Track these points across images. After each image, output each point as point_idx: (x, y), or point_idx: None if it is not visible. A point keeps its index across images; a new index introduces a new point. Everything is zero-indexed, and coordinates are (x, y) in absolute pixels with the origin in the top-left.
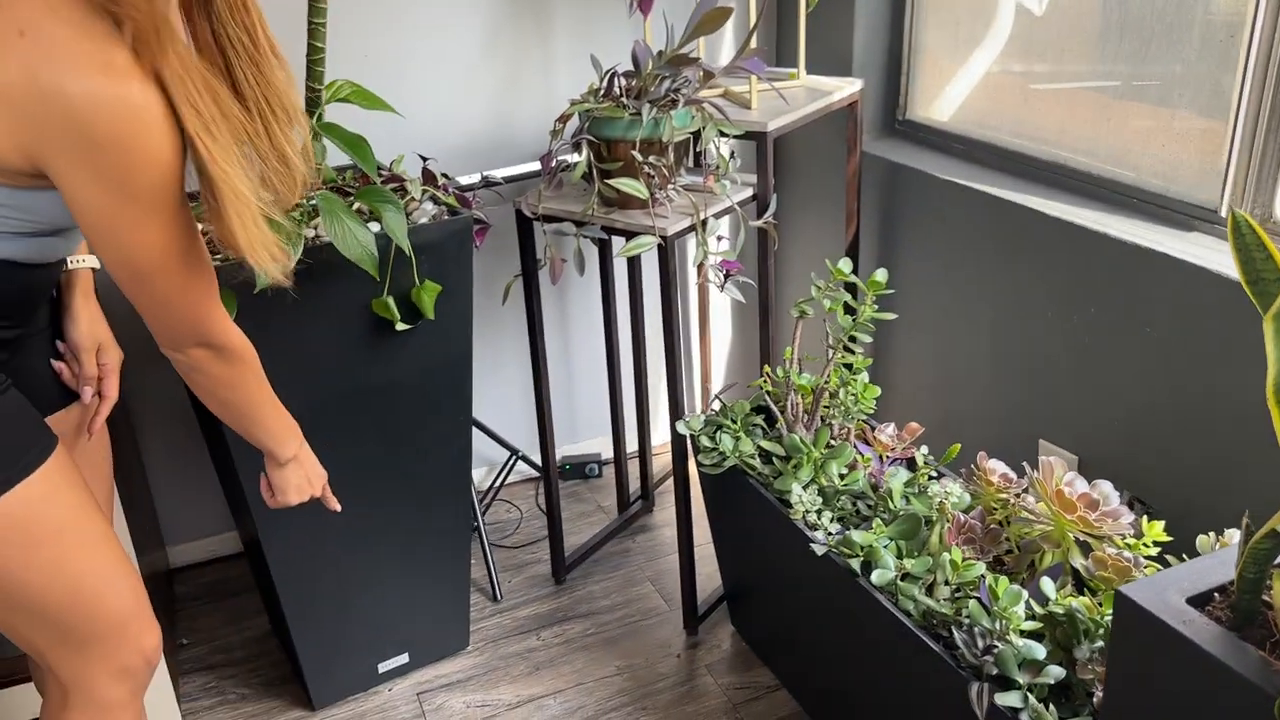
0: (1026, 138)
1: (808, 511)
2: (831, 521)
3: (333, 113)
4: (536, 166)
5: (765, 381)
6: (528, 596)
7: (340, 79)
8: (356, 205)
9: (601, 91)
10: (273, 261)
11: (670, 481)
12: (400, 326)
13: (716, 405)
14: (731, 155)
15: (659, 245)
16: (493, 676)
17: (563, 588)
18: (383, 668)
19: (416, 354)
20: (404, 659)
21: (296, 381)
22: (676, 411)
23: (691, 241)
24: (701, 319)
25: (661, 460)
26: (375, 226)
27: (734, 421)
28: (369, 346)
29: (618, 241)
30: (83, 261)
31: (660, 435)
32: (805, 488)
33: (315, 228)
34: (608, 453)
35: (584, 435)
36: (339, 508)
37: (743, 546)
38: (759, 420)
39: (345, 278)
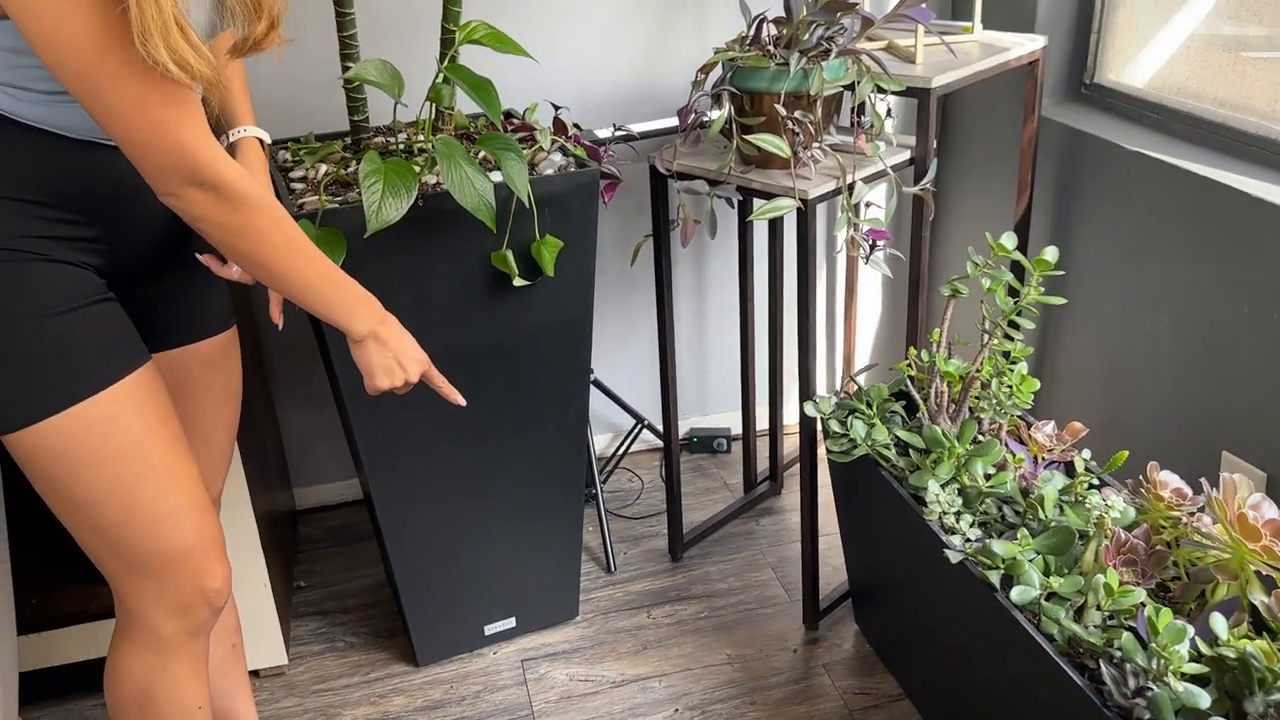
0: (1234, 109)
1: (945, 513)
2: (971, 526)
3: (467, 56)
4: (674, 123)
5: (909, 365)
6: (642, 571)
7: (476, 20)
8: (481, 154)
9: (748, 40)
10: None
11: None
12: (518, 282)
13: (854, 387)
14: (888, 114)
15: (798, 209)
16: (599, 651)
17: (679, 566)
18: (489, 629)
19: (535, 311)
20: (510, 623)
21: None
22: (807, 391)
23: (837, 206)
24: (848, 292)
25: (793, 441)
26: (497, 176)
27: (869, 406)
28: (486, 301)
29: (758, 204)
30: (244, 132)
31: (793, 414)
32: (944, 486)
33: (436, 174)
34: (738, 428)
35: (715, 408)
36: (459, 398)
37: (871, 542)
38: (898, 407)
39: (464, 228)
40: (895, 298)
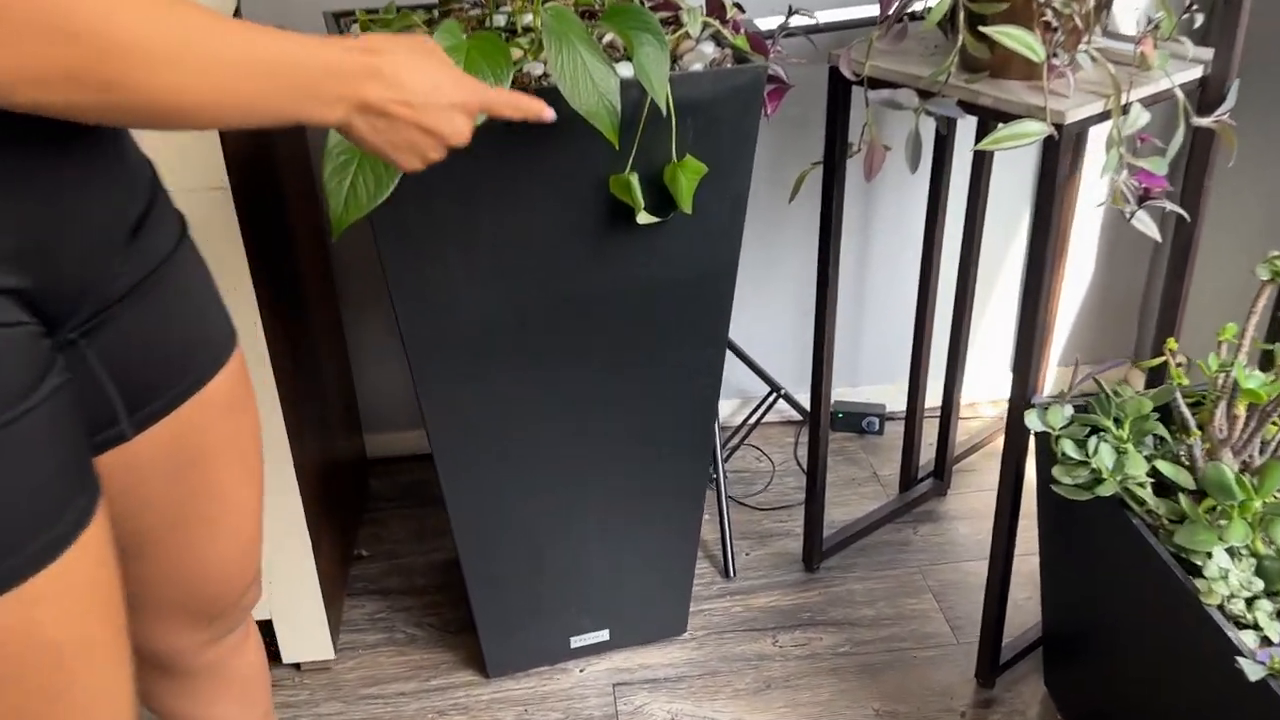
0: None
1: (1233, 595)
2: (1275, 619)
3: None
4: (873, 11)
5: (1179, 371)
6: (768, 580)
7: None
8: (606, 36)
9: None
10: None
11: (974, 456)
12: (643, 219)
13: (1072, 384)
14: (1190, 7)
15: (1049, 138)
16: (710, 683)
17: (814, 577)
18: (576, 641)
19: (663, 258)
20: (603, 635)
21: (496, 279)
22: (1023, 389)
23: (1096, 136)
24: (1057, 249)
25: (969, 427)
26: (626, 69)
27: (1119, 422)
28: (599, 241)
29: (969, 127)
30: None
31: (974, 392)
32: (1235, 556)
33: (542, 61)
34: (895, 405)
35: (867, 378)
36: (547, 111)
37: (1090, 592)
38: (1159, 428)
39: (576, 140)
40: (1113, 261)
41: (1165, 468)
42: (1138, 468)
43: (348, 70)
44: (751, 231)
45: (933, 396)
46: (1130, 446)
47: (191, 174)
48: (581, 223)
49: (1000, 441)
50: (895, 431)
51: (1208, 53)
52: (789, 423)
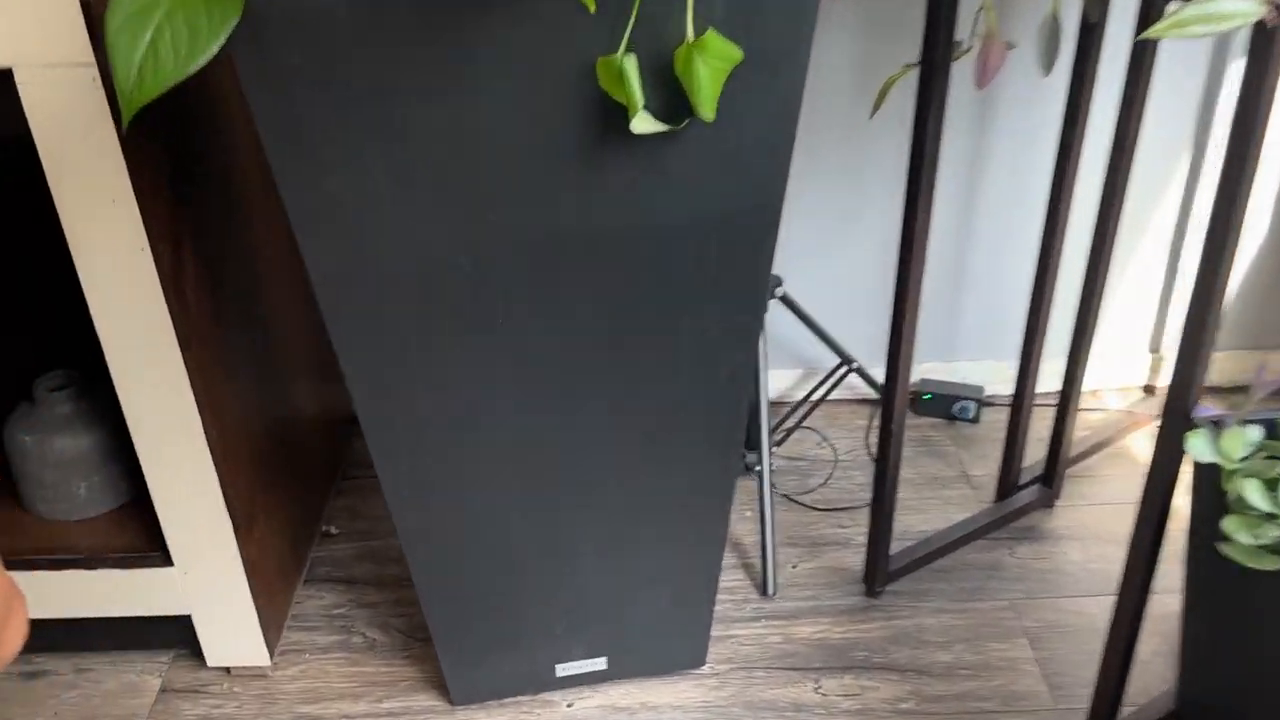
0: None
1: None
2: None
3: None
4: None
5: None
6: (817, 602)
7: None
8: None
9: None
10: None
11: (1095, 459)
12: (641, 125)
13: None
14: None
15: (1260, 25)
16: None
17: (877, 605)
18: (563, 670)
19: (678, 184)
20: (599, 664)
21: (438, 207)
22: (1187, 382)
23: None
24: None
25: (1089, 420)
26: None
27: None
28: (585, 156)
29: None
30: None
31: (1098, 377)
32: None
33: None
34: (996, 388)
35: (963, 353)
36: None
37: (1258, 671)
38: None
39: (544, 4)
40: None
41: None
42: None
43: None
44: (815, 157)
45: (1047, 379)
46: None
47: (47, 45)
48: (558, 130)
49: (1129, 441)
50: (995, 421)
51: None
52: (863, 402)
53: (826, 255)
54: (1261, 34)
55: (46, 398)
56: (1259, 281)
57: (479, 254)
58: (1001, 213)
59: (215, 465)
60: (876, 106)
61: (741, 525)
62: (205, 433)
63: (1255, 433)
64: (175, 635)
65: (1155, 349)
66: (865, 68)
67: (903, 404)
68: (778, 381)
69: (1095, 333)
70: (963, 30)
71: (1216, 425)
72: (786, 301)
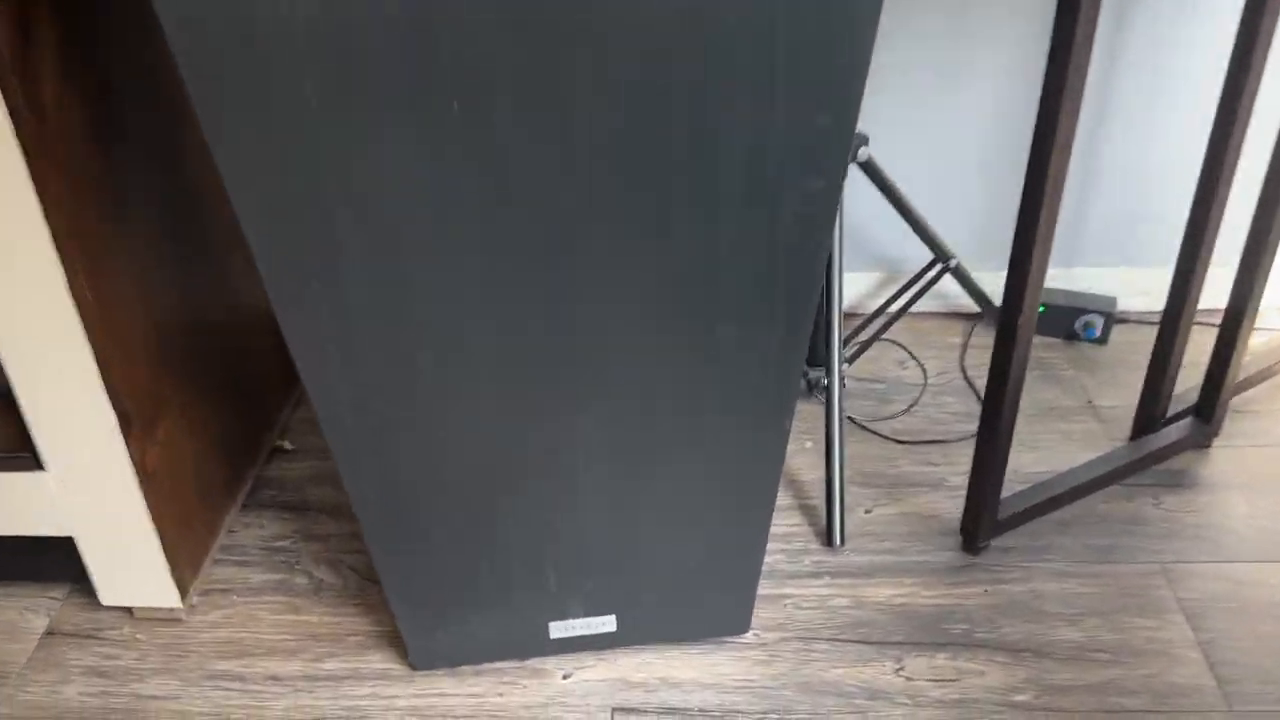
0: None
1: None
2: None
3: None
4: None
5: None
6: (898, 558)
7: None
8: None
9: None
10: None
11: (1263, 387)
12: None
13: None
14: None
15: None
16: None
17: (978, 564)
18: (558, 630)
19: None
20: (606, 625)
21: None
22: None
23: None
24: None
25: (1255, 345)
26: None
27: None
28: None
29: None
30: None
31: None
32: None
33: None
34: (1131, 303)
35: (1090, 257)
36: None
37: None
38: None
39: None
40: None
41: None
42: None
43: None
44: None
45: (1209, 296)
46: None
47: None
48: None
49: None
50: (1126, 341)
51: None
52: (955, 315)
53: (920, 121)
54: None
55: None
56: None
57: (432, 54)
58: (1148, 86)
59: (90, 337)
60: None
61: (801, 458)
62: (72, 289)
63: None
64: (71, 565)
65: None
66: None
67: (1032, 306)
68: (851, 286)
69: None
70: None
71: None
72: (869, 170)
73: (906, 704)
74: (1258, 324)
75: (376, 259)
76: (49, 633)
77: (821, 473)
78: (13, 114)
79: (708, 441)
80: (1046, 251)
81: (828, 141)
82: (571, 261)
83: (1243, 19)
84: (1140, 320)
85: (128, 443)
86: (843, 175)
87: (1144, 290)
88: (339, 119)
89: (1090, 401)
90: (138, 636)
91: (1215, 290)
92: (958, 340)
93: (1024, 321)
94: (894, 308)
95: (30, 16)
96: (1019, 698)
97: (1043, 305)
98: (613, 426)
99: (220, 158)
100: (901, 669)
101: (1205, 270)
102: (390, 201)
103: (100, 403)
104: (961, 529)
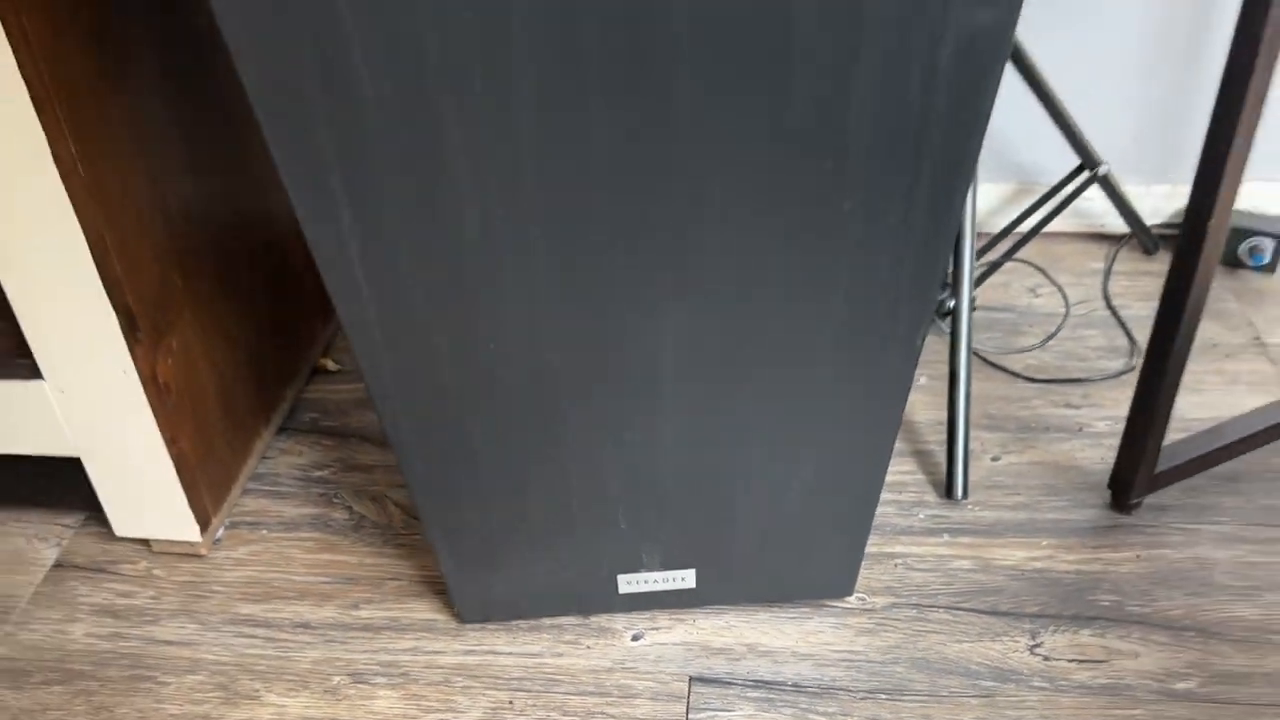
0: None
1: None
2: None
3: None
4: None
5: None
6: (1032, 514)
7: None
8: None
9: None
10: None
11: None
12: None
13: None
14: None
15: None
16: (885, 711)
17: (1130, 524)
18: (629, 584)
19: None
20: (685, 580)
21: None
22: None
23: None
24: None
25: None
26: None
27: None
28: None
29: None
30: None
31: None
32: None
33: None
34: None
35: (1262, 171)
36: None
37: None
38: None
39: None
40: None
41: None
42: None
43: None
44: None
45: None
46: None
47: None
48: None
49: None
50: None
51: None
52: (1095, 237)
53: (1068, 8)
54: None
55: None
56: None
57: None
58: None
59: (82, 222)
60: None
61: (916, 394)
62: (60, 167)
63: None
64: (86, 490)
65: None
66: None
67: (1220, 229)
68: (981, 198)
69: None
70: None
71: None
72: (1018, 60)
73: (1044, 688)
74: None
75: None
76: (58, 565)
77: (940, 414)
78: None
79: (820, 353)
80: (1242, 164)
81: (961, 149)
82: (658, 98)
83: None
84: None
85: (132, 350)
86: (1018, 5)
87: None
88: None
89: (1258, 338)
90: (154, 572)
91: None
92: (1100, 265)
93: (1210, 246)
94: (1029, 224)
95: None
96: (1182, 685)
97: None
98: (703, 327)
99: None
100: (1038, 646)
101: None
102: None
103: (97, 299)
104: (1111, 482)
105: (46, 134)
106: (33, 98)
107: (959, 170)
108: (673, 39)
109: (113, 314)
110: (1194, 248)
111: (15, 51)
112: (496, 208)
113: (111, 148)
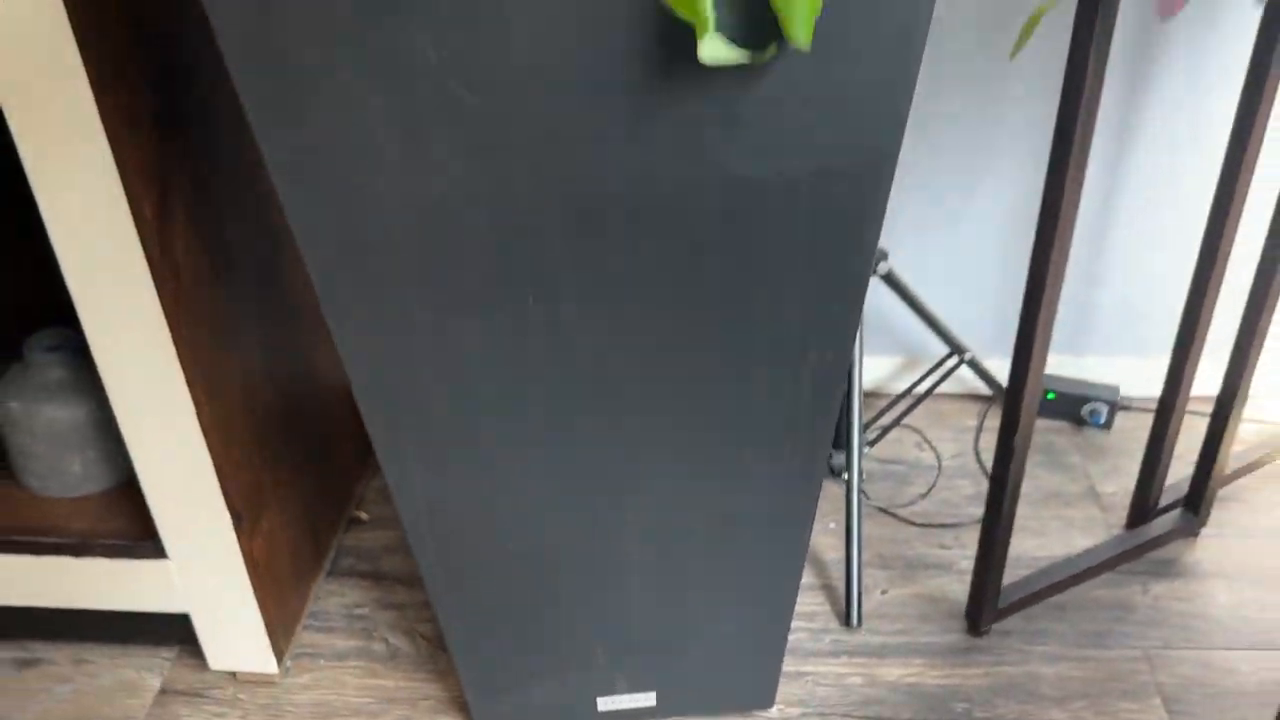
0: None
1: None
2: None
3: None
4: None
5: None
6: (910, 639)
7: None
8: None
9: None
10: None
11: (1248, 479)
12: (712, 51)
13: None
14: None
15: None
16: None
17: (982, 646)
18: (605, 704)
19: (759, 132)
20: (647, 700)
21: (450, 151)
22: None
23: None
24: None
25: (1243, 435)
26: None
27: None
28: (642, 97)
29: None
30: None
31: (1259, 385)
32: None
33: None
34: (1133, 388)
35: (1098, 347)
36: None
37: None
38: None
39: None
40: None
41: None
42: None
43: None
44: (930, 105)
45: (1202, 384)
46: None
47: None
48: (604, 58)
49: None
50: (1130, 428)
51: None
52: (972, 398)
53: (938, 228)
54: None
55: (38, 360)
56: None
57: (502, 214)
58: (1160, 179)
59: (210, 449)
60: (1020, 45)
61: (824, 538)
62: (196, 411)
63: None
64: (180, 630)
65: None
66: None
67: (1032, 402)
68: (874, 370)
69: (1267, 332)
70: None
71: None
72: (890, 281)
73: None
74: (1252, 414)
75: (463, 398)
76: (162, 691)
77: (841, 554)
78: (150, 262)
79: (741, 530)
80: (1046, 342)
81: (849, 278)
82: (624, 399)
83: (1234, 130)
84: (1143, 408)
85: (239, 534)
86: (863, 297)
87: (1148, 379)
88: (444, 319)
89: (1093, 488)
90: (240, 697)
91: (1213, 381)
92: (972, 424)
93: (1026, 412)
94: (913, 395)
95: (167, 175)
96: None
97: (1052, 392)
98: (653, 520)
99: (344, 340)
100: None
101: (1197, 362)
102: (474, 356)
103: (216, 503)
104: (968, 613)
105: (189, 389)
106: (179, 362)
107: (835, 371)
108: (621, 277)
109: (226, 513)
110: (1013, 419)
111: (172, 336)
112: (514, 460)
113: (224, 387)
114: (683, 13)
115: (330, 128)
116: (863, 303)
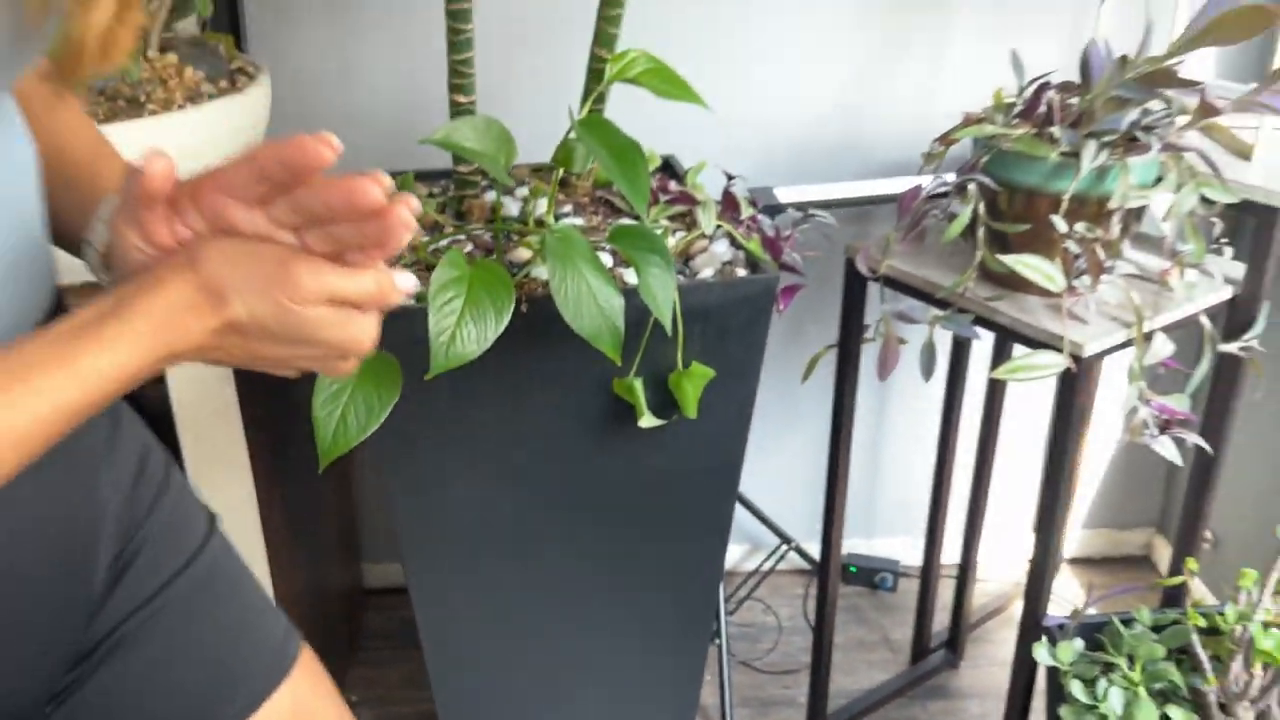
0: None
1: None
2: None
3: (620, 94)
4: (890, 188)
5: (1192, 611)
6: None
7: (636, 50)
8: (611, 254)
9: (1017, 110)
10: None
11: (991, 624)
12: (646, 422)
13: (1092, 611)
14: (1220, 240)
15: (1067, 371)
16: None
17: None
18: None
19: (666, 453)
20: None
21: (496, 475)
22: (1034, 610)
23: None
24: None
25: (986, 590)
26: (632, 276)
27: (1130, 660)
28: (601, 437)
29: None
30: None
31: (994, 557)
32: None
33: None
34: (909, 559)
35: (883, 530)
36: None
37: None
38: (1168, 670)
39: (579, 345)
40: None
41: (1178, 716)
42: (1149, 717)
43: (180, 302)
44: (772, 383)
45: (950, 553)
46: (1142, 690)
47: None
48: (583, 421)
49: (1018, 608)
50: (910, 590)
51: (1238, 269)
52: (800, 572)
53: (770, 448)
54: (1072, 374)
55: None
56: (1119, 468)
57: (522, 508)
58: (903, 433)
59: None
60: (808, 373)
61: (708, 689)
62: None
63: (1079, 644)
64: None
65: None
66: (800, 334)
67: (836, 577)
68: (731, 554)
69: (985, 516)
70: (871, 317)
71: (1061, 629)
72: (740, 499)
73: None
74: (992, 575)
75: (493, 608)
76: None
77: (718, 699)
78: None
79: (655, 692)
80: (840, 531)
81: (719, 526)
82: (586, 604)
83: (945, 392)
84: (916, 575)
85: None
86: (727, 536)
87: (919, 551)
88: (488, 565)
89: (886, 636)
90: None
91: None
92: (800, 593)
93: (832, 583)
94: (757, 574)
95: (274, 482)
96: None
97: (854, 566)
98: (604, 675)
99: (419, 582)
100: None
101: (941, 542)
102: (503, 582)
103: None
104: None
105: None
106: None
107: (705, 607)
108: (591, 580)
109: None
110: (824, 584)
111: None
112: (521, 626)
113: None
114: (630, 401)
115: (429, 461)
116: (726, 539)
